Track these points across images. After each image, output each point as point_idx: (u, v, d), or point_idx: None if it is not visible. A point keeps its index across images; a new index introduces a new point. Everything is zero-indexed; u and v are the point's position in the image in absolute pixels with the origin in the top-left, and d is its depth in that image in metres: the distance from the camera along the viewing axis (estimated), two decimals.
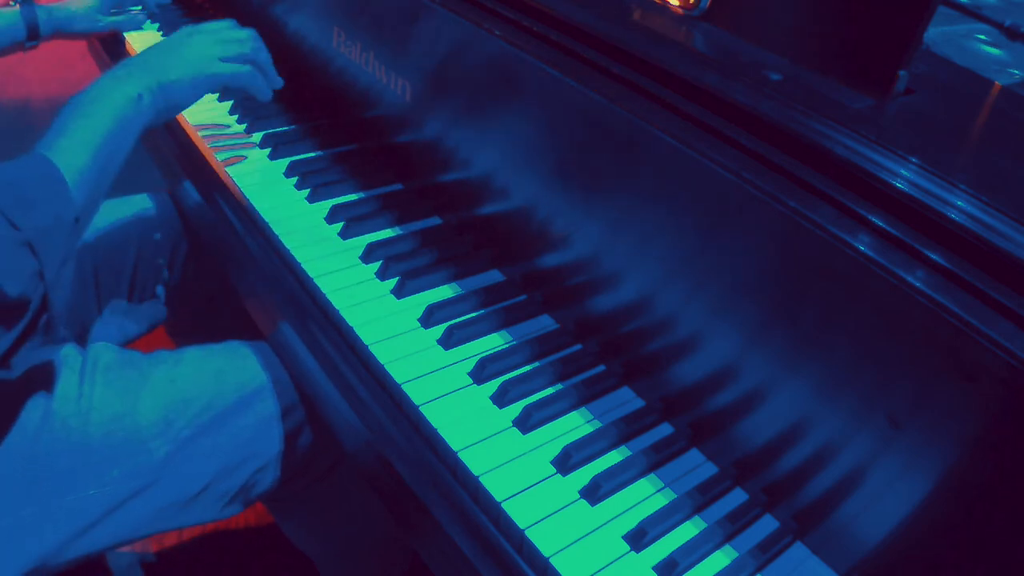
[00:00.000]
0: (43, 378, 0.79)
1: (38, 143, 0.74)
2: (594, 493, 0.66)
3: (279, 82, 0.97)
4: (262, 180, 0.98)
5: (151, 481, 0.79)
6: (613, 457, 0.70)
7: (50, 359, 0.81)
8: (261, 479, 0.86)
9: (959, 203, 0.55)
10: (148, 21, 1.31)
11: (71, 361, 0.81)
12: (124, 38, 1.25)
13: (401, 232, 0.93)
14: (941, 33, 1.06)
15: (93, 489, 0.76)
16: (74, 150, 0.73)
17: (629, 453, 0.70)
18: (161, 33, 1.31)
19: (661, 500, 0.67)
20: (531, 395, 0.74)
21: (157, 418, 0.80)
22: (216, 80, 0.89)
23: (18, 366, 0.78)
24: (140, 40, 1.28)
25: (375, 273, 0.85)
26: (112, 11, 1.25)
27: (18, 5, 1.13)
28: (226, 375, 0.85)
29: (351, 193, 0.98)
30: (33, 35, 1.14)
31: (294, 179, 0.99)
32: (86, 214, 0.74)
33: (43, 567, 0.75)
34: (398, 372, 0.74)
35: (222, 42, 0.91)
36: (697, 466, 0.71)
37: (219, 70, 0.89)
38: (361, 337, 0.77)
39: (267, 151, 1.03)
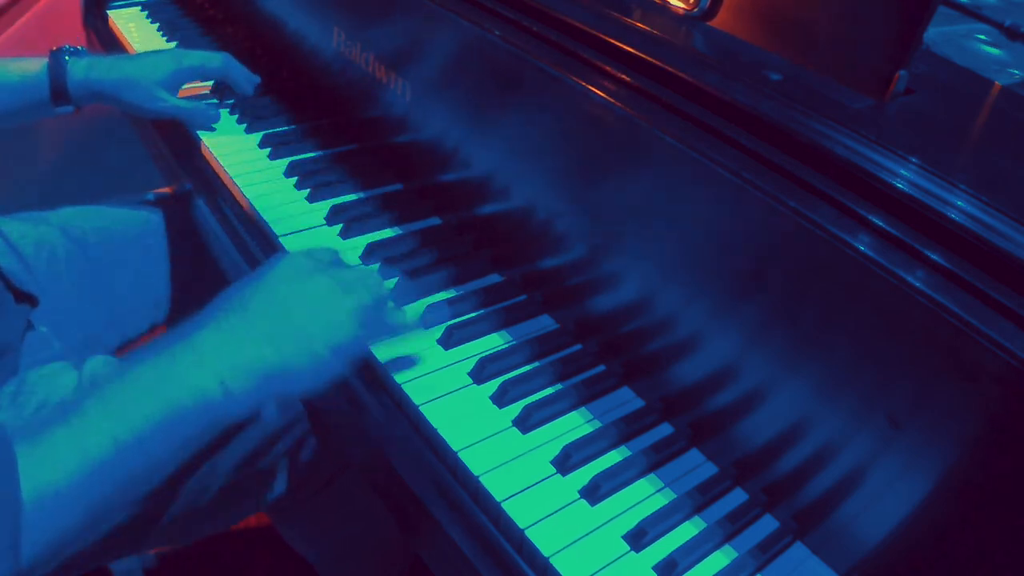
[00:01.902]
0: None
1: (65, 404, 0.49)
2: (594, 493, 0.66)
3: (251, 81, 1.01)
4: (262, 180, 0.98)
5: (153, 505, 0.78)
6: (613, 457, 0.70)
7: (43, 377, 0.79)
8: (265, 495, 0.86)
9: (959, 203, 0.55)
10: (227, 112, 1.10)
11: (66, 381, 0.79)
12: (127, 43, 1.24)
13: (401, 232, 0.93)
14: (941, 33, 1.06)
15: None
16: (66, 456, 0.47)
17: (629, 453, 0.70)
18: (161, 33, 1.30)
19: (661, 500, 0.67)
20: (531, 395, 0.74)
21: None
22: (355, 350, 0.63)
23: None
24: (142, 41, 1.27)
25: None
26: (182, 89, 1.02)
27: (48, 58, 0.93)
28: None
29: (351, 193, 0.98)
30: (61, 95, 0.94)
31: (294, 179, 0.98)
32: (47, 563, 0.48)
33: None
34: (398, 372, 0.74)
35: (360, 298, 0.63)
36: (697, 466, 0.71)
37: (358, 335, 0.62)
38: None
39: (267, 151, 1.03)
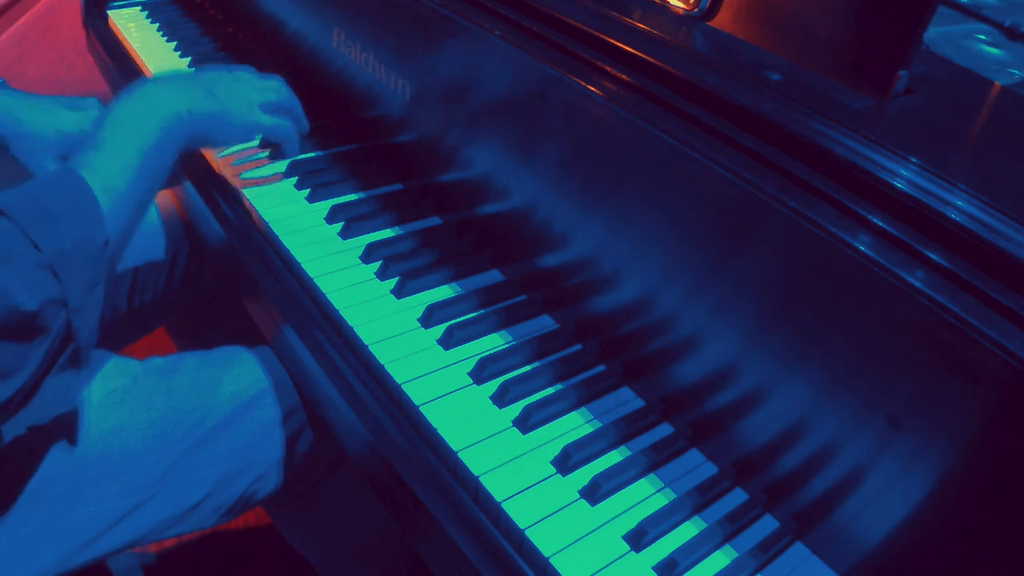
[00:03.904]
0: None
1: (74, 155, 0.67)
2: (594, 493, 0.66)
3: (307, 127, 0.96)
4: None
5: (149, 495, 0.78)
6: (613, 457, 0.70)
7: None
8: (261, 486, 0.86)
9: (959, 203, 0.55)
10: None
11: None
12: (127, 43, 1.24)
13: (401, 232, 0.93)
14: (941, 33, 1.06)
15: (92, 506, 0.76)
16: (112, 168, 0.67)
17: (629, 453, 0.70)
18: (161, 33, 1.31)
19: (661, 500, 0.67)
20: (531, 395, 0.74)
21: (154, 432, 0.79)
22: (258, 129, 0.88)
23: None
24: (142, 41, 1.27)
25: (375, 273, 0.85)
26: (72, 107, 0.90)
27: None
28: (223, 383, 0.84)
29: (351, 193, 0.98)
30: None
31: (294, 179, 0.98)
32: (120, 240, 0.68)
33: None
34: (398, 372, 0.74)
35: (260, 90, 0.89)
36: (697, 466, 0.71)
37: (263, 120, 0.87)
38: (361, 337, 0.77)
39: (267, 151, 1.03)
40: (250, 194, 0.95)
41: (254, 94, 0.88)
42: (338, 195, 0.97)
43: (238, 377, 0.85)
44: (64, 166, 0.66)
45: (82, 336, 0.63)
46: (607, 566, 0.62)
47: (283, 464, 0.87)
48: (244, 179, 0.98)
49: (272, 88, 0.91)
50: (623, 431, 0.72)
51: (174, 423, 0.80)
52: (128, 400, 0.80)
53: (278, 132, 0.90)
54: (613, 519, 0.65)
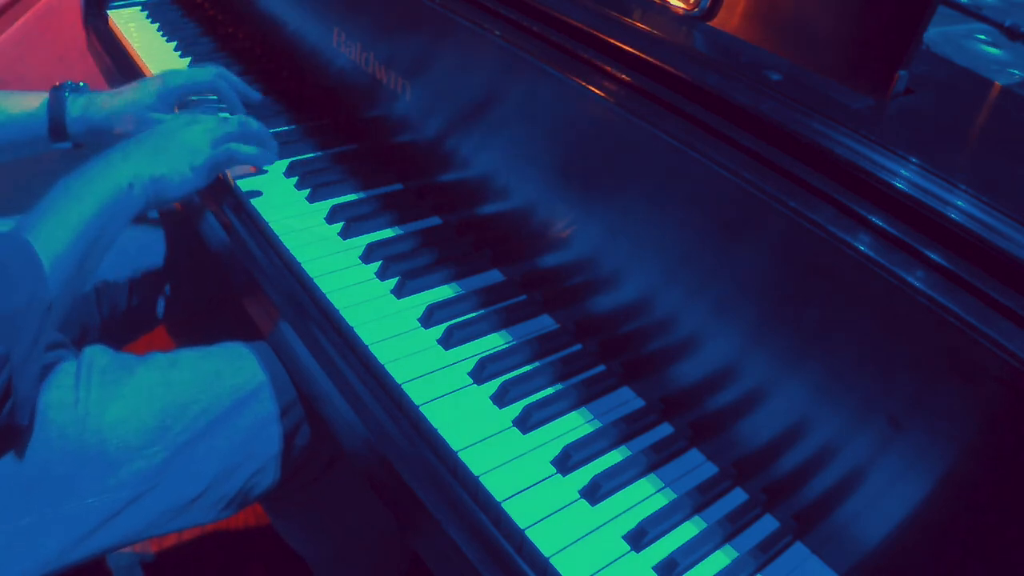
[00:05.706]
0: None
1: (23, 219, 0.72)
2: (594, 493, 0.66)
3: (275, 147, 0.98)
4: (262, 180, 0.98)
5: (149, 487, 0.79)
6: (613, 457, 0.70)
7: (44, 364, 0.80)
8: (260, 480, 0.86)
9: (959, 203, 0.55)
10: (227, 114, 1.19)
11: (66, 366, 0.80)
12: (127, 43, 1.24)
13: (401, 232, 0.93)
14: (941, 33, 1.06)
15: (91, 497, 0.76)
16: (56, 234, 0.72)
17: (629, 453, 0.70)
18: (161, 33, 1.30)
19: (661, 500, 0.67)
20: (531, 395, 0.74)
21: (154, 424, 0.79)
22: (214, 168, 0.90)
23: None
24: (142, 41, 1.28)
25: (375, 273, 0.85)
26: (175, 108, 1.03)
27: (49, 94, 0.96)
28: (223, 377, 0.84)
29: (351, 193, 0.98)
30: (59, 133, 0.96)
31: (294, 179, 0.99)
32: (61, 301, 0.72)
33: (42, 574, 0.75)
34: (398, 372, 0.74)
35: (214, 128, 0.91)
36: (697, 466, 0.71)
37: (218, 157, 0.89)
38: (361, 337, 0.77)
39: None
40: (250, 193, 0.95)
41: (207, 136, 0.90)
42: (338, 195, 0.97)
43: (237, 371, 0.85)
44: (13, 231, 0.71)
45: (21, 392, 0.67)
46: (607, 566, 0.62)
47: (281, 459, 0.87)
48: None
49: (223, 124, 0.93)
50: (623, 431, 0.72)
51: (174, 416, 0.80)
52: (128, 393, 0.80)
53: (238, 158, 0.93)
54: (613, 519, 0.65)
